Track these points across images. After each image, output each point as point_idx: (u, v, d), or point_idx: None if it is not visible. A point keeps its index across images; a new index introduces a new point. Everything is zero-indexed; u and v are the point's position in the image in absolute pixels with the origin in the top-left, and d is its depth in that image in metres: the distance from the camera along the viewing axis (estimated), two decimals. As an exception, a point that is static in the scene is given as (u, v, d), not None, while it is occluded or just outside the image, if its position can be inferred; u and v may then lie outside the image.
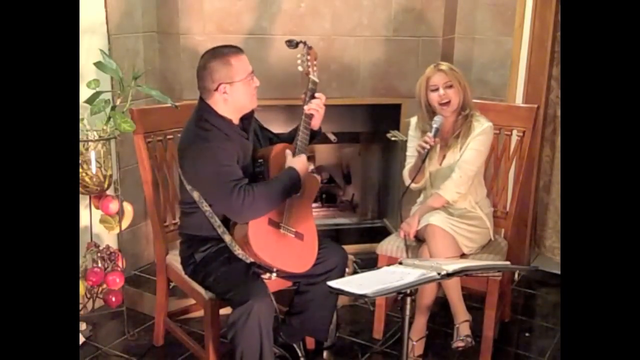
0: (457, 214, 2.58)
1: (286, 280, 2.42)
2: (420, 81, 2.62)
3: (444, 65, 2.59)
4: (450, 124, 2.61)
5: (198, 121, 2.28)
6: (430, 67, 2.62)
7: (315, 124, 2.42)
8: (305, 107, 2.38)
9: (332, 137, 3.48)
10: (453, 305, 2.54)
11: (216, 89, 2.24)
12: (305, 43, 2.42)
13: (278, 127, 2.99)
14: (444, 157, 2.62)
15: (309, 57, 2.41)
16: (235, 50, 2.29)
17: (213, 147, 2.22)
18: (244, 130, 2.35)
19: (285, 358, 2.51)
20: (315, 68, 2.42)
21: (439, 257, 2.42)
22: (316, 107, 2.39)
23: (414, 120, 2.73)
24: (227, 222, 2.30)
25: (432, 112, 2.60)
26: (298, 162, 2.32)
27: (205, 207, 2.29)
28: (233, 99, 2.27)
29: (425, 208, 2.59)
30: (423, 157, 2.52)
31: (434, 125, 2.51)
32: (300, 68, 2.41)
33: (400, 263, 2.00)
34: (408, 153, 2.72)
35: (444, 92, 2.54)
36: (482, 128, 2.57)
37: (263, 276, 2.26)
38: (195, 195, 2.29)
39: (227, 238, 2.28)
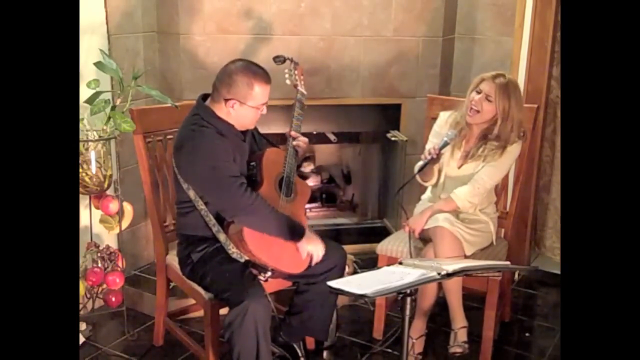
0: (460, 217, 2.58)
1: (285, 280, 2.43)
2: (477, 78, 2.56)
3: (502, 80, 2.50)
4: (476, 134, 2.58)
5: (195, 120, 2.28)
6: (493, 72, 2.54)
7: (300, 153, 2.46)
8: (292, 133, 2.40)
9: (332, 137, 3.49)
10: (452, 310, 2.54)
11: (227, 100, 2.25)
12: (292, 59, 2.47)
13: (278, 127, 3.00)
14: (463, 163, 2.61)
15: (296, 72, 2.46)
16: (265, 78, 2.28)
17: (209, 143, 2.23)
18: (241, 132, 2.36)
19: (286, 358, 2.51)
20: (302, 82, 2.47)
21: (443, 258, 2.43)
22: (303, 145, 2.42)
23: (444, 114, 2.69)
24: (221, 221, 2.30)
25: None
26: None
27: (201, 205, 2.29)
28: (236, 116, 2.28)
29: (435, 209, 2.56)
30: (422, 166, 2.51)
31: (445, 139, 2.49)
32: (288, 82, 2.45)
33: (401, 263, 2.00)
34: (427, 146, 2.63)
35: (480, 100, 2.50)
36: (510, 146, 2.54)
37: (259, 277, 2.26)
38: (191, 193, 2.29)
39: (221, 237, 2.28)
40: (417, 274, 1.76)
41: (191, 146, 2.24)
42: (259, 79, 2.26)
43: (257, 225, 2.25)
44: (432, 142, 2.64)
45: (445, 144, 2.49)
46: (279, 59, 2.47)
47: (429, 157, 2.47)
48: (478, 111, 2.52)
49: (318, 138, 3.52)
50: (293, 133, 2.40)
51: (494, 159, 2.54)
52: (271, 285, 2.31)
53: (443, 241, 2.45)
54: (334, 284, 1.75)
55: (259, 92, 2.26)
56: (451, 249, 2.45)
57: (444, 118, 2.68)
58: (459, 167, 2.61)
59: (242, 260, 2.27)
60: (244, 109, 2.27)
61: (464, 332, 2.52)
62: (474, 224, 2.58)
